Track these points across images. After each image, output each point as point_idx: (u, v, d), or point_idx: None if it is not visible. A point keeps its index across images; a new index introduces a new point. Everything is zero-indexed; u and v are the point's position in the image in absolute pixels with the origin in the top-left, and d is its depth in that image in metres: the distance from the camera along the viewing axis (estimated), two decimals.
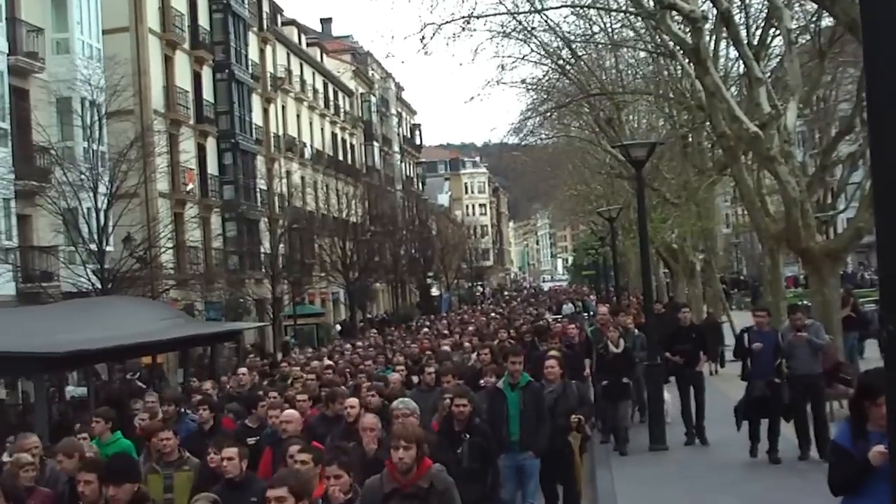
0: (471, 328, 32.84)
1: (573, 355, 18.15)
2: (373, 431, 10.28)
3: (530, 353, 18.55)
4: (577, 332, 21.99)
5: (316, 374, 18.35)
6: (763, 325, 16.29)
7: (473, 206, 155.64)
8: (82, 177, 34.86)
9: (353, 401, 12.24)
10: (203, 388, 17.81)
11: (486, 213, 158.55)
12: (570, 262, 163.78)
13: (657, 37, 32.41)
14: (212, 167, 52.54)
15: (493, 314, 44.97)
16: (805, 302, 23.42)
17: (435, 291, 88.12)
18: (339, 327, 61.78)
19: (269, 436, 11.97)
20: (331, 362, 22.32)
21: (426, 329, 36.52)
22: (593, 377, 18.38)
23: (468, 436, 11.08)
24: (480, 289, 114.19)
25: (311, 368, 21.07)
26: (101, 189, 34.82)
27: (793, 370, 15.83)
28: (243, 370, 19.15)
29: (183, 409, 14.44)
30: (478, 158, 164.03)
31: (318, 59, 77.38)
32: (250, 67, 57.85)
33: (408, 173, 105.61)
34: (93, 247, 34.31)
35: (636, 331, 20.89)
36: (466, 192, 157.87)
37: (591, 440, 14.16)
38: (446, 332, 33.16)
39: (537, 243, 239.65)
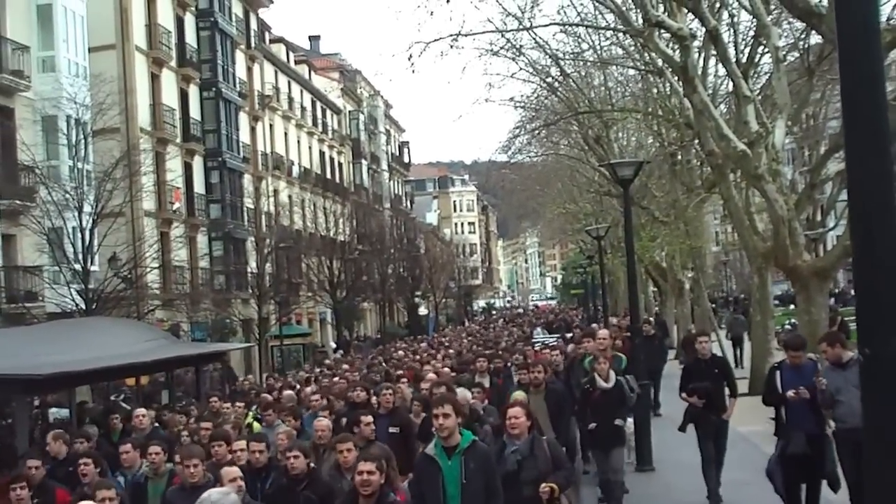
0: (451, 351, 31.41)
1: (560, 390, 15.38)
2: None
3: (505, 385, 17.35)
4: (562, 360, 19.28)
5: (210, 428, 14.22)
6: (798, 361, 12.36)
7: (462, 225, 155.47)
8: (67, 196, 34.60)
9: (232, 471, 9.60)
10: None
11: (474, 232, 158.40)
12: (558, 280, 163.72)
13: (646, 55, 32.43)
14: (198, 186, 52.31)
15: (477, 335, 44.20)
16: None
17: (423, 310, 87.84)
18: (334, 345, 61.42)
19: None
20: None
21: (401, 352, 34.20)
22: (578, 418, 15.39)
23: None
24: (468, 308, 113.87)
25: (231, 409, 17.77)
26: (87, 208, 34.55)
27: (840, 421, 11.54)
28: (141, 411, 16.42)
29: None
30: (466, 176, 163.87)
31: (307, 76, 77.29)
32: (238, 85, 57.70)
33: (396, 191, 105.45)
34: (77, 267, 34.02)
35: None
36: (455, 211, 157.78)
37: None
38: (427, 354, 30.68)
39: (526, 262, 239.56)
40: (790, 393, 11.98)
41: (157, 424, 16.90)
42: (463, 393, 12.95)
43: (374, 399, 14.93)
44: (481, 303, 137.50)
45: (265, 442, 11.47)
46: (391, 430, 13.47)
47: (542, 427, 12.47)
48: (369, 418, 12.51)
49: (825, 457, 11.96)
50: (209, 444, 12.13)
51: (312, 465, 10.57)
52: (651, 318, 35.86)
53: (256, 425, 16.15)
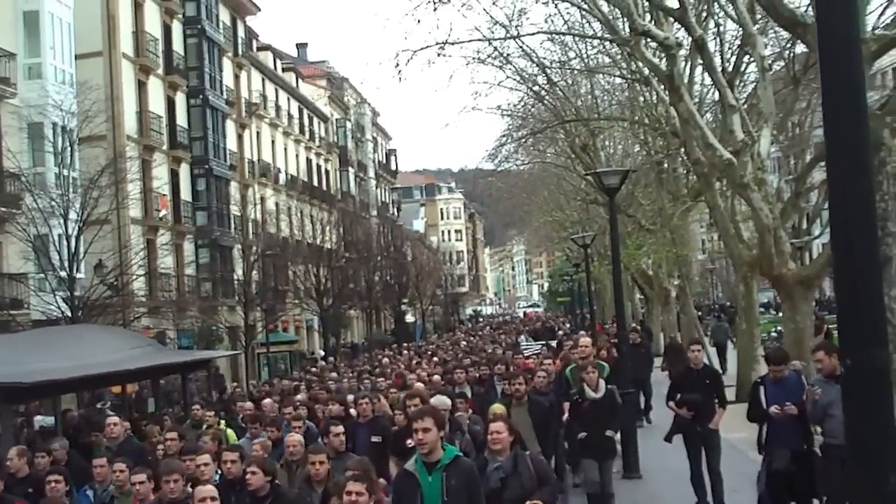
0: (436, 359, 30.90)
1: (545, 403, 14.56)
2: None
3: (487, 395, 16.61)
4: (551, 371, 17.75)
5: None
6: (780, 375, 11.93)
7: (449, 232, 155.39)
8: (53, 203, 34.51)
9: (205, 491, 8.89)
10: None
11: (461, 239, 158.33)
12: (545, 288, 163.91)
13: (632, 63, 32.50)
14: (185, 193, 52.23)
15: (462, 343, 43.97)
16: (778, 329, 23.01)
17: (410, 318, 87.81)
18: (322, 352, 61.30)
19: None
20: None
21: (386, 360, 33.86)
22: (567, 430, 14.92)
23: None
24: (454, 316, 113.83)
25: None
26: (72, 215, 34.46)
27: (830, 436, 10.90)
28: (113, 419, 15.78)
29: None
30: (453, 184, 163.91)
31: (294, 84, 77.29)
32: (225, 93, 57.64)
33: (383, 199, 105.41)
34: (63, 274, 33.91)
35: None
36: (442, 218, 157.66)
37: None
38: (415, 363, 29.60)
39: (513, 269, 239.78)
40: (773, 409, 11.55)
41: (131, 434, 16.56)
42: (441, 399, 12.50)
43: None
44: (469, 310, 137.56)
45: (239, 452, 11.06)
46: (373, 439, 13.21)
47: (527, 441, 12.33)
48: (339, 429, 12.14)
49: (812, 474, 11.41)
50: (179, 458, 11.67)
51: (277, 482, 10.08)
52: (637, 327, 35.89)
53: (231, 434, 15.82)
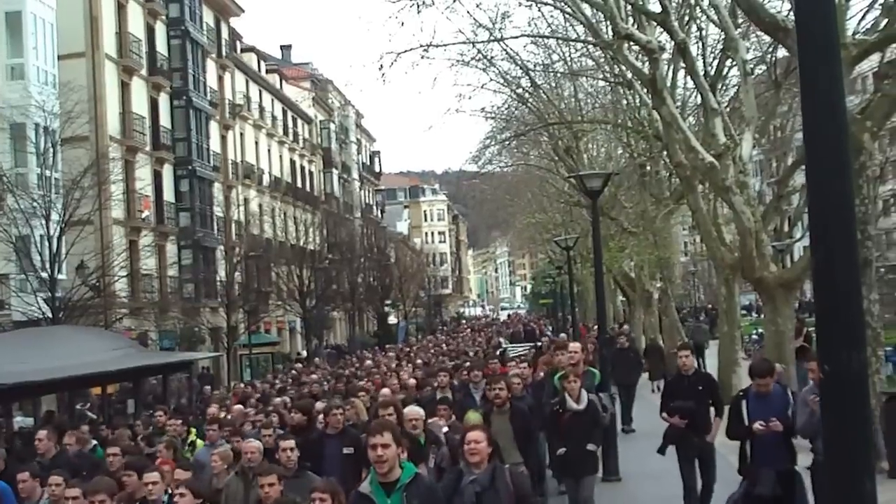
0: (420, 361, 30.06)
1: (527, 410, 13.58)
2: None
3: (464, 402, 15.12)
4: (528, 376, 17.61)
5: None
6: (766, 389, 10.95)
7: (432, 234, 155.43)
8: (35, 204, 34.41)
9: None
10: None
11: (445, 241, 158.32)
12: (528, 290, 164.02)
13: (615, 66, 32.54)
14: (168, 194, 52.08)
15: (443, 346, 43.76)
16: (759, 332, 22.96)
17: (393, 320, 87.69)
18: (304, 353, 61.13)
19: None
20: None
21: (369, 362, 32.83)
22: (548, 441, 14.29)
23: None
24: (437, 318, 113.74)
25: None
26: (54, 216, 34.38)
27: (822, 454, 9.66)
28: (42, 433, 14.21)
29: None
30: (437, 186, 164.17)
31: (278, 85, 77.16)
32: (208, 94, 57.51)
33: (367, 201, 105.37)
34: (44, 275, 33.82)
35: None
36: (426, 220, 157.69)
37: None
38: (395, 364, 29.34)
39: (496, 271, 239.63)
40: (757, 425, 10.62)
41: (95, 442, 16.08)
42: (413, 409, 11.74)
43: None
44: (453, 312, 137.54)
45: (158, 472, 10.30)
46: (345, 450, 12.13)
47: (508, 450, 11.66)
48: (290, 443, 10.83)
49: (795, 495, 10.66)
50: (118, 473, 10.90)
51: None
52: (626, 329, 35.89)
53: (200, 443, 14.86)
